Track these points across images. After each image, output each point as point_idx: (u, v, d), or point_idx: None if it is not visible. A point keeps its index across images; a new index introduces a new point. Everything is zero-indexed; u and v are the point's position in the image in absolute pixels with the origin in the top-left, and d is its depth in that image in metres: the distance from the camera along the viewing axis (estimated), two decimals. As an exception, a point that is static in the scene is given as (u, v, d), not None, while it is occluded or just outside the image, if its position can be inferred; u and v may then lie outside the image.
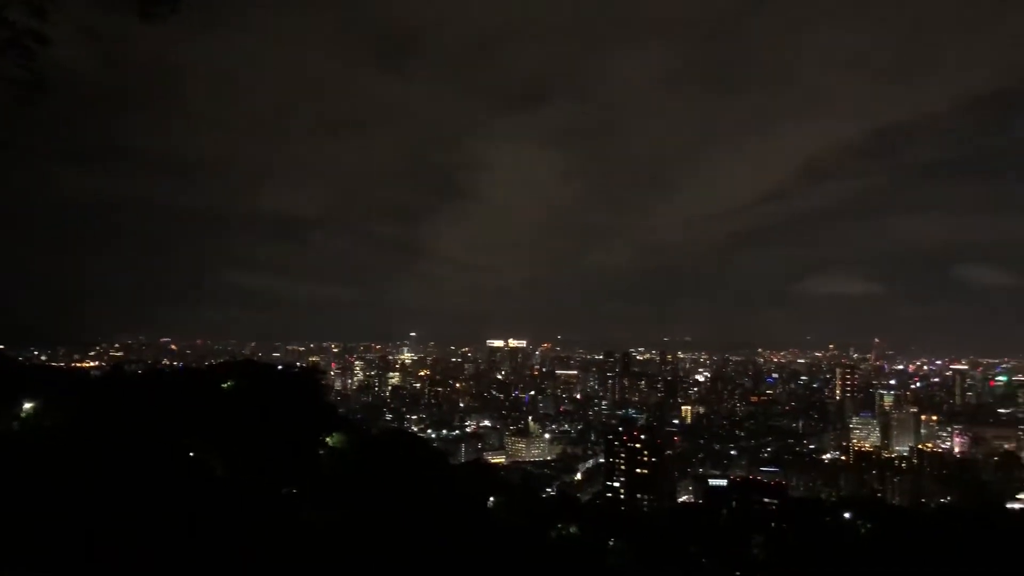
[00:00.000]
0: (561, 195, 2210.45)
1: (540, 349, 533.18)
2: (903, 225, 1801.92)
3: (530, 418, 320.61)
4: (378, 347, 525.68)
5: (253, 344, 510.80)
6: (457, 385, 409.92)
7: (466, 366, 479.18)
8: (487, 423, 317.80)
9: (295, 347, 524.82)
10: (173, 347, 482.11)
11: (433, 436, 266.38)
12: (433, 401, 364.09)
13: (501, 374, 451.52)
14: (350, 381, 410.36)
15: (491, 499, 70.06)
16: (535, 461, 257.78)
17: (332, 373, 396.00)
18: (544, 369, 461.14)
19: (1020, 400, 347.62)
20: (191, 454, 43.00)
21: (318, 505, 40.41)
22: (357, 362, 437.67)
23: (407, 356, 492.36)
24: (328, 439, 54.45)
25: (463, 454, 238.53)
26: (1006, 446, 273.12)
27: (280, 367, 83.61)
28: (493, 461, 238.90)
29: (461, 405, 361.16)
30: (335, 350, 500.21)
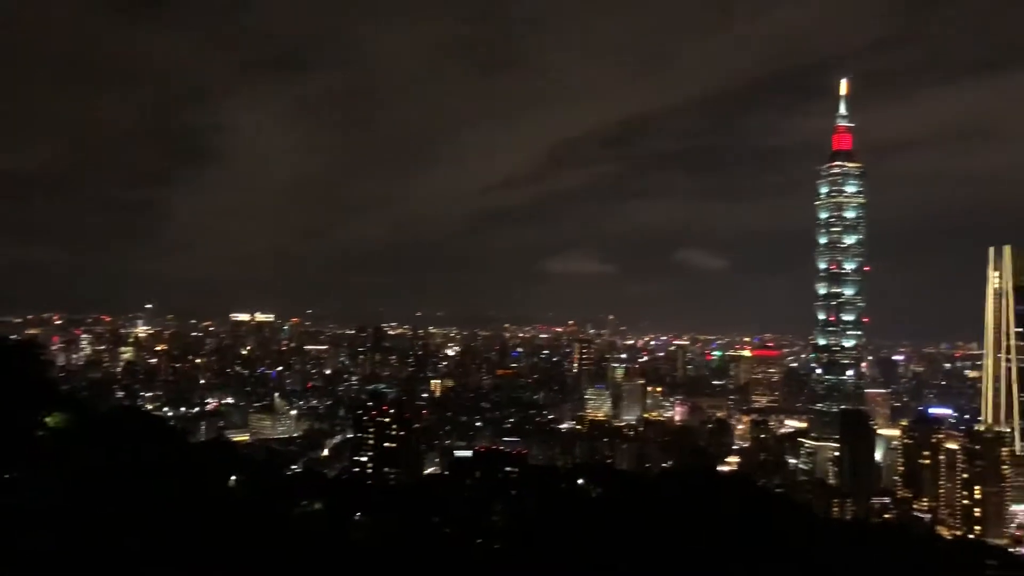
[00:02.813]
0: (315, 164, 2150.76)
1: (289, 323, 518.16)
2: (636, 210, 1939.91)
3: (276, 395, 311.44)
4: (109, 319, 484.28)
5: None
6: (197, 361, 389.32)
7: (208, 341, 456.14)
8: (230, 400, 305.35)
9: (8, 319, 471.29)
10: None
11: (170, 414, 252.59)
12: (171, 378, 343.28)
13: (246, 349, 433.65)
14: (75, 356, 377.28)
15: (232, 478, 67.87)
16: (281, 438, 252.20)
17: (54, 347, 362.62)
18: (293, 344, 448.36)
19: (731, 373, 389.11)
20: None
21: (33, 489, 37.16)
22: (84, 335, 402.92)
23: (142, 329, 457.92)
24: (48, 419, 50.00)
25: (203, 432, 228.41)
26: (719, 414, 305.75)
27: (-11, 340, 75.13)
28: (236, 439, 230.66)
29: (202, 382, 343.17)
30: (58, 322, 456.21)
